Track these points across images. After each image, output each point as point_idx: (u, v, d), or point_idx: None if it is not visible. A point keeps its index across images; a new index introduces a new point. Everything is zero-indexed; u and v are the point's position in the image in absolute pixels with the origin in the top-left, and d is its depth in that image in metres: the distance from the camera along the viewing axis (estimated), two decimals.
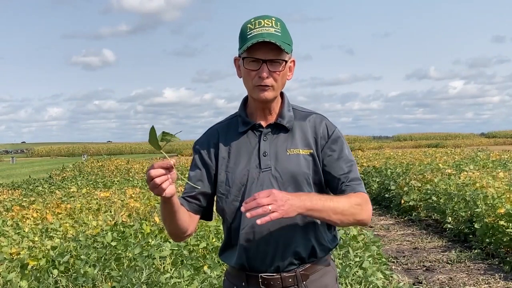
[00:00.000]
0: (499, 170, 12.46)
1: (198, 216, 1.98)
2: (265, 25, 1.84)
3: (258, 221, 1.63)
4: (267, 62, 1.84)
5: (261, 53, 1.83)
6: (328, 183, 1.93)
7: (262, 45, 1.81)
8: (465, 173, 10.77)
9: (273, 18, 1.87)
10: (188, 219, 1.91)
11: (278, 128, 1.94)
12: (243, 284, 1.93)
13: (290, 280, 1.90)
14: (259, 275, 1.90)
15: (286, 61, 1.87)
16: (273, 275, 1.89)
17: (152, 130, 1.62)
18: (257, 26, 1.84)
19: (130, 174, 22.07)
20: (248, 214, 1.64)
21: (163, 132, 1.68)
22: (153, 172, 1.65)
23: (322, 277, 1.95)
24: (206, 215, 2.01)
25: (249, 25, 1.86)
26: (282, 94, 1.97)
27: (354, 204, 1.82)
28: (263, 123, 1.95)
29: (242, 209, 1.66)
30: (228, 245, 1.98)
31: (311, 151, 1.92)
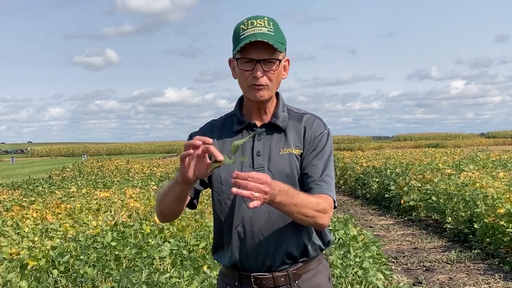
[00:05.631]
0: (499, 170, 12.46)
1: (189, 199, 1.96)
2: (258, 25, 1.84)
3: (250, 204, 1.60)
4: (261, 62, 1.84)
5: (254, 53, 1.83)
6: (301, 178, 1.92)
7: (255, 45, 1.81)
8: (465, 173, 10.77)
9: (266, 18, 1.87)
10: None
11: (272, 128, 1.95)
12: (236, 283, 1.95)
13: (282, 279, 1.91)
14: (252, 274, 1.91)
15: (280, 60, 1.87)
16: (265, 275, 1.90)
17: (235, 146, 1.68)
18: (249, 27, 1.84)
19: (130, 174, 22.08)
20: (234, 190, 1.60)
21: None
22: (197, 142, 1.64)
23: (314, 276, 1.96)
24: (192, 203, 1.99)
25: (241, 25, 1.86)
26: (277, 94, 1.97)
27: (319, 209, 1.81)
28: (258, 123, 1.95)
29: (233, 175, 1.61)
30: (220, 244, 1.98)
31: (302, 151, 1.93)
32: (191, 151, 1.65)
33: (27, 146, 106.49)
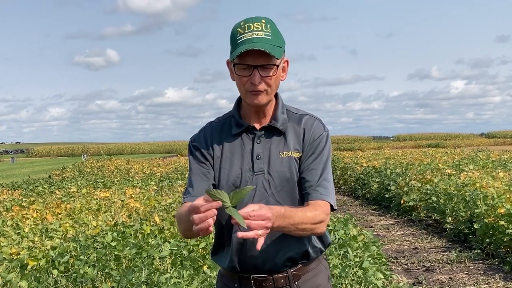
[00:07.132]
0: (499, 170, 12.46)
1: None
2: (255, 29, 1.81)
3: (258, 246, 1.59)
4: (258, 68, 1.82)
5: (251, 59, 1.80)
6: (299, 181, 1.92)
7: (252, 50, 1.78)
8: (465, 173, 10.77)
9: (263, 20, 1.84)
10: None
11: (271, 130, 1.93)
12: (236, 285, 1.95)
13: (282, 280, 1.91)
14: (251, 276, 1.91)
15: (277, 66, 1.85)
16: (265, 276, 1.90)
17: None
18: (246, 31, 1.81)
19: (130, 174, 22.06)
20: (239, 234, 1.58)
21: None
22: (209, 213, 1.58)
23: (314, 277, 1.96)
24: None
25: (238, 29, 1.83)
26: (276, 95, 1.95)
27: (316, 221, 1.81)
28: (257, 125, 1.94)
29: (235, 229, 1.59)
30: (220, 247, 1.98)
31: (301, 154, 1.92)
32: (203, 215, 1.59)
33: (16, 146, 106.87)
